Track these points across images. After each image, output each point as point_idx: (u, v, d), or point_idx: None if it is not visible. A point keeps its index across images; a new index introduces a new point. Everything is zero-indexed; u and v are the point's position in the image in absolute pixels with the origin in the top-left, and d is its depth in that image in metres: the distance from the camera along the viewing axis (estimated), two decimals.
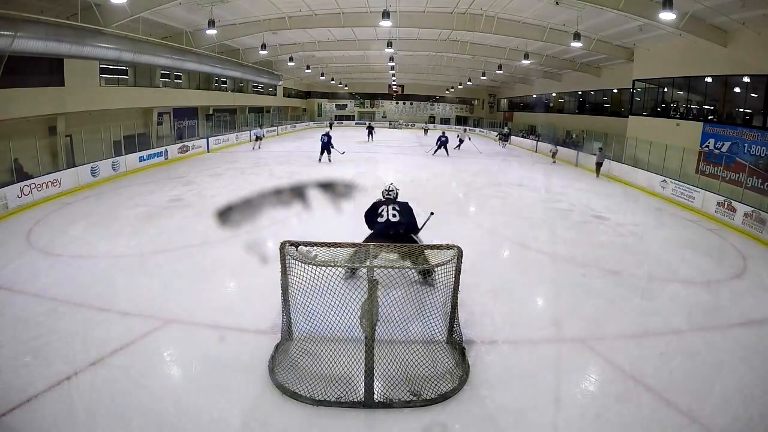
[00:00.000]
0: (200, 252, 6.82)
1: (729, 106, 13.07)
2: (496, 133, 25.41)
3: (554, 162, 19.27)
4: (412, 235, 5.21)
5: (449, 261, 3.86)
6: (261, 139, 22.12)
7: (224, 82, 24.58)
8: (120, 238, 7.46)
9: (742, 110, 12.60)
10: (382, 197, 5.41)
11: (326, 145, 16.35)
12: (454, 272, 3.88)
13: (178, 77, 20.16)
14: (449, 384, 3.70)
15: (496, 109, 39.91)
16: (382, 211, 5.18)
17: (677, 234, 9.01)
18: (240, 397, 3.57)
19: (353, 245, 4.00)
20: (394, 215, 5.08)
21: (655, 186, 13.06)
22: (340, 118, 42.31)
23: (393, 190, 5.46)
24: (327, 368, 3.74)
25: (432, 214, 5.43)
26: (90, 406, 3.40)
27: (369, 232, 5.30)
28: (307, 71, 28.01)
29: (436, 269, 4.77)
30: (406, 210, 5.21)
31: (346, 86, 40.80)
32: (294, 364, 3.87)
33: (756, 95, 12.01)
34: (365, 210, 5.44)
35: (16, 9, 9.27)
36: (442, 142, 19.51)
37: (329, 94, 42.59)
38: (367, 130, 27.83)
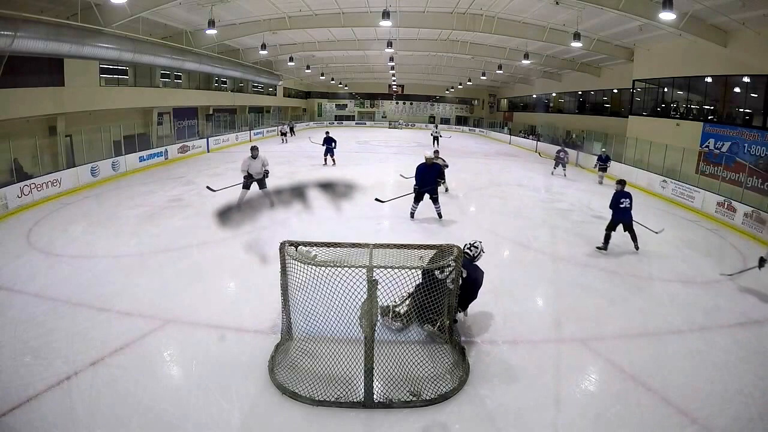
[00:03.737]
0: (200, 252, 6.82)
1: (729, 106, 13.07)
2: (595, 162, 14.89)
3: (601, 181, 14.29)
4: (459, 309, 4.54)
5: (449, 261, 3.86)
6: (287, 134, 24.73)
7: (224, 82, 24.59)
8: (120, 238, 7.46)
9: (742, 110, 12.61)
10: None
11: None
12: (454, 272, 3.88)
13: (178, 77, 20.16)
14: (449, 384, 3.70)
15: (496, 109, 39.93)
16: (446, 269, 4.08)
17: (677, 234, 8.99)
18: (240, 397, 3.57)
19: (353, 245, 3.99)
20: (452, 281, 4.05)
21: (655, 186, 13.06)
22: (340, 118, 42.31)
23: (476, 247, 4.64)
24: (327, 368, 3.74)
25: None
26: (90, 406, 3.40)
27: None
28: (307, 71, 28.01)
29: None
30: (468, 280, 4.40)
31: (346, 86, 40.81)
32: (294, 364, 3.88)
33: (756, 95, 12.02)
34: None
35: (16, 9, 9.27)
36: (560, 159, 15.42)
37: (329, 94, 42.60)
38: (323, 144, 15.77)
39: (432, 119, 42.51)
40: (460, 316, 4.71)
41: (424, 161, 8.57)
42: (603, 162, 14.58)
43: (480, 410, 3.51)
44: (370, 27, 16.02)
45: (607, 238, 7.41)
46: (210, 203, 9.64)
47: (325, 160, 15.60)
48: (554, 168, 15.63)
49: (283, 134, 25.15)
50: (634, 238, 7.45)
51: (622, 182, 7.66)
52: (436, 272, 3.93)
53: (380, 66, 29.48)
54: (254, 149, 9.11)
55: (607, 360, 4.27)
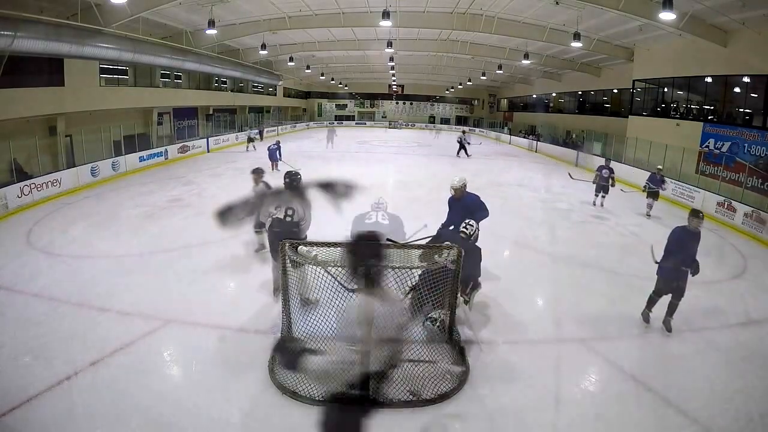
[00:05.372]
0: (200, 252, 6.81)
1: (729, 106, 13.08)
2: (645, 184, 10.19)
3: (649, 214, 10.15)
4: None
5: (449, 261, 3.86)
6: (254, 141, 21.28)
7: (224, 82, 24.59)
8: (120, 238, 7.46)
9: (742, 110, 12.61)
10: (370, 209, 5.27)
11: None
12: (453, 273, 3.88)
13: (178, 77, 20.16)
14: (449, 384, 3.70)
15: (496, 109, 39.95)
16: (371, 215, 5.07)
17: None
18: (240, 397, 3.57)
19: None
20: (384, 217, 4.97)
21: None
22: (340, 118, 42.32)
23: (382, 203, 5.28)
24: (327, 368, 3.73)
25: (425, 225, 5.19)
26: (90, 406, 3.40)
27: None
28: (307, 71, 28.02)
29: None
30: (395, 219, 5.10)
31: (346, 86, 40.83)
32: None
33: (756, 95, 12.02)
34: (352, 219, 5.12)
35: (16, 9, 9.28)
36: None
37: (329, 94, 42.63)
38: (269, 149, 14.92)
39: (432, 119, 42.46)
40: (464, 306, 4.71)
41: (451, 194, 5.56)
42: (655, 185, 9.97)
43: (480, 410, 3.51)
44: (370, 27, 16.03)
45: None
46: (210, 203, 9.64)
47: (272, 165, 14.12)
48: (596, 195, 10.73)
49: (251, 140, 21.27)
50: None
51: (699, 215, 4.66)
52: (435, 256, 3.93)
53: (380, 66, 29.48)
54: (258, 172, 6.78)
55: (607, 360, 4.27)
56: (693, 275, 4.64)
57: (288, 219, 4.84)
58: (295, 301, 3.95)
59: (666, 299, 4.79)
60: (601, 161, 11.31)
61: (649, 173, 10.50)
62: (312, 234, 5.06)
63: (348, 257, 2.92)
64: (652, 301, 4.89)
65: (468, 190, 5.62)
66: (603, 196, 10.65)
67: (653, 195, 10.08)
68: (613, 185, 10.50)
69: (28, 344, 4.17)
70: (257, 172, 6.72)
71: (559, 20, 14.32)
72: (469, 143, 20.38)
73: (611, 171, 10.53)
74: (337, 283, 3.63)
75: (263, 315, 4.73)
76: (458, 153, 19.69)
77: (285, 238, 3.98)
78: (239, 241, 6.84)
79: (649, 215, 10.09)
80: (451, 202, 5.65)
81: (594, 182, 10.67)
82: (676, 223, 4.94)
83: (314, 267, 3.72)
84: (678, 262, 4.55)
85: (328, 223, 4.67)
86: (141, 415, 3.31)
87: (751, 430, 3.45)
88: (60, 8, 11.00)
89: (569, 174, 12.36)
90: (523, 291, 5.82)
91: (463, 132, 21.94)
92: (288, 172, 5.16)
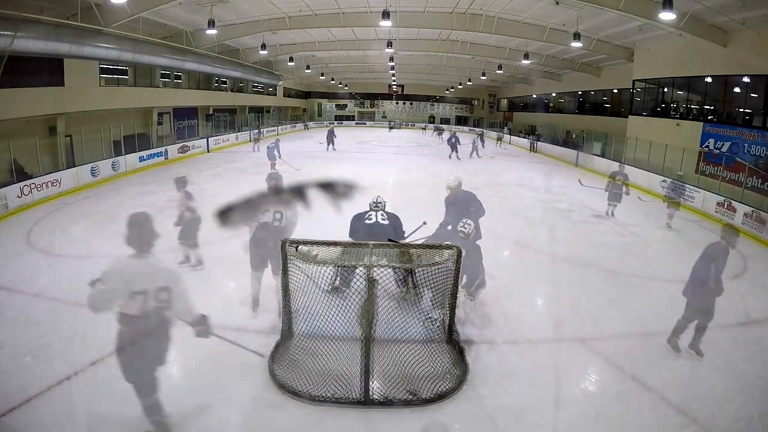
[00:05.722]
0: (200, 252, 6.80)
1: (729, 106, 13.08)
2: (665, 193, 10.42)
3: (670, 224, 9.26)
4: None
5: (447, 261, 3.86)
6: (258, 140, 21.16)
7: (224, 82, 24.59)
8: (120, 238, 7.39)
9: (742, 110, 12.61)
10: (369, 208, 5.14)
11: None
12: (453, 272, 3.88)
13: (178, 77, 20.17)
14: (448, 384, 3.70)
15: (496, 109, 39.94)
16: (370, 215, 4.99)
17: (677, 234, 8.99)
18: (240, 396, 3.57)
19: (353, 245, 4.00)
20: (383, 217, 4.92)
21: (655, 186, 13.06)
22: (340, 118, 42.32)
23: (381, 202, 5.16)
24: (326, 367, 3.74)
25: (424, 223, 5.18)
26: (90, 406, 3.40)
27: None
28: (307, 71, 28.02)
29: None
30: (394, 218, 5.05)
31: (346, 86, 40.81)
32: (294, 363, 3.88)
33: (756, 95, 12.03)
34: (350, 219, 5.06)
35: (16, 9, 9.28)
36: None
37: (329, 94, 42.62)
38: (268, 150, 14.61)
39: (432, 119, 42.41)
40: (464, 306, 4.71)
41: (448, 194, 5.64)
42: (676, 193, 9.42)
43: (479, 410, 3.51)
44: (370, 27, 16.03)
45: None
46: (210, 203, 9.65)
47: (271, 165, 14.01)
48: (609, 204, 9.73)
49: (256, 140, 21.57)
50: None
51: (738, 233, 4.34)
52: (436, 257, 3.94)
53: (380, 66, 29.47)
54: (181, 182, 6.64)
55: (607, 360, 4.27)
56: (718, 295, 4.27)
57: (276, 223, 4.67)
58: (295, 300, 3.94)
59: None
60: (613, 165, 10.62)
61: (669, 180, 9.54)
62: (313, 233, 5.05)
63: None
64: (681, 328, 4.45)
65: (466, 189, 5.67)
66: (615, 205, 9.68)
67: (675, 204, 9.26)
68: (627, 193, 9.50)
69: (28, 344, 4.17)
70: (178, 182, 6.58)
71: (559, 20, 14.31)
72: (478, 145, 20.47)
73: (626, 177, 9.62)
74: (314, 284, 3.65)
75: (263, 315, 4.74)
76: (470, 154, 19.52)
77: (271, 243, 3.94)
78: (239, 241, 6.83)
79: (670, 226, 9.21)
80: (448, 201, 5.64)
81: (606, 189, 9.67)
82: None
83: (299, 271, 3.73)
84: (720, 287, 4.22)
85: (327, 224, 4.65)
86: (141, 415, 3.31)
87: (751, 430, 3.45)
88: (60, 8, 11.00)
89: (579, 180, 11.43)
90: (523, 291, 5.82)
91: (481, 140, 21.96)
92: (270, 173, 5.12)
